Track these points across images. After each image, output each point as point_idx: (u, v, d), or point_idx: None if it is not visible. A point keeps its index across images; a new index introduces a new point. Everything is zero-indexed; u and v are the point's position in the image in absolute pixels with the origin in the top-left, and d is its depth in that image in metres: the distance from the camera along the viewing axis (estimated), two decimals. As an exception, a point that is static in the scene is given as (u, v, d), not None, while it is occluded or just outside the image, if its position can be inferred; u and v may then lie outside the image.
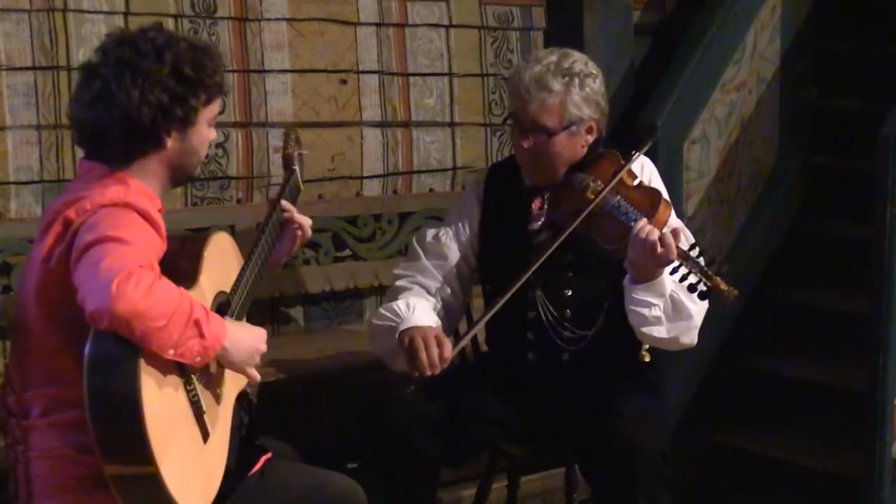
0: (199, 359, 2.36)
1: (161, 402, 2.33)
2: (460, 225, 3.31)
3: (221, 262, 2.63)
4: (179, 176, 2.61)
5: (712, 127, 4.35)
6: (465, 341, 3.15)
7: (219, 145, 3.83)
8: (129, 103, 2.45)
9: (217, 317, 2.41)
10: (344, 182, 4.13)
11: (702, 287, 2.88)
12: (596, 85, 3.16)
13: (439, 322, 3.16)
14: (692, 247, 2.94)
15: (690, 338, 3.11)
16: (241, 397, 2.68)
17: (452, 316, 3.29)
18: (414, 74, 4.24)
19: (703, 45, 4.27)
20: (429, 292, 3.24)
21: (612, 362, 3.20)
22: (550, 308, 3.20)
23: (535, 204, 3.23)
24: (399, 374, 3.07)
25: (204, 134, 2.58)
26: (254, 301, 2.72)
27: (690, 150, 4.29)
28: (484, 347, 3.50)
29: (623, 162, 3.16)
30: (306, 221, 2.90)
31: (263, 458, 2.72)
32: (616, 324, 3.15)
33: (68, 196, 2.48)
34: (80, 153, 3.24)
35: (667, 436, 3.15)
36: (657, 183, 3.28)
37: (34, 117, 3.55)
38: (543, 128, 3.13)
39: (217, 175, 3.86)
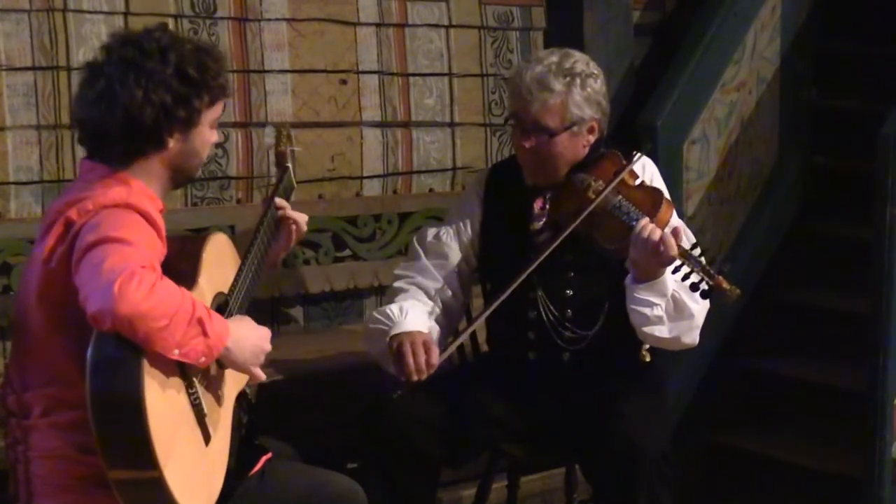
0: (203, 359, 2.35)
1: (164, 405, 2.33)
2: (461, 225, 3.31)
3: (219, 263, 2.63)
4: (180, 177, 2.61)
5: (712, 127, 4.35)
6: (458, 342, 3.15)
7: (219, 145, 3.83)
8: (132, 103, 2.45)
9: (219, 316, 2.41)
10: (344, 182, 4.13)
11: (704, 286, 2.88)
12: (597, 85, 3.16)
13: (433, 326, 3.17)
14: (694, 246, 2.94)
15: (692, 338, 3.11)
16: (240, 397, 2.68)
17: (452, 316, 3.29)
18: (414, 74, 4.24)
19: (703, 45, 4.27)
20: (427, 293, 3.24)
21: (613, 362, 3.20)
22: (551, 308, 3.20)
23: (537, 204, 3.23)
24: (392, 377, 3.07)
25: (206, 136, 2.58)
26: (254, 301, 2.72)
27: (690, 150, 4.29)
28: (484, 347, 3.50)
29: (625, 162, 3.16)
30: (301, 217, 2.90)
31: (264, 459, 2.72)
32: (617, 324, 3.14)
33: (69, 196, 2.48)
34: (80, 153, 3.24)
35: (667, 436, 3.15)
36: (658, 183, 3.28)
37: (34, 117, 3.55)
38: (545, 128, 3.12)
39: (217, 175, 3.86)
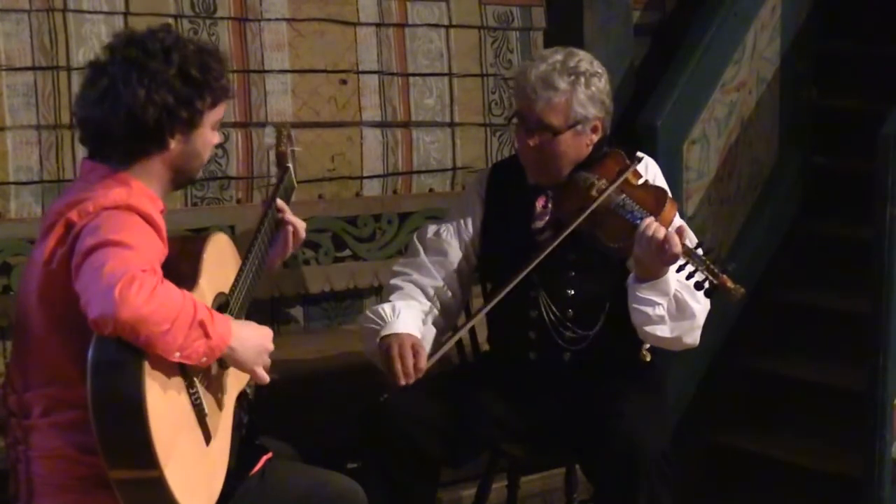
0: (204, 359, 2.36)
1: (165, 405, 2.33)
2: (462, 223, 3.31)
3: (220, 264, 2.63)
4: (181, 178, 2.61)
5: (712, 127, 4.36)
6: (451, 343, 3.15)
7: (219, 145, 3.82)
8: (134, 102, 2.45)
9: (222, 317, 2.41)
10: (344, 182, 4.13)
11: (708, 285, 2.88)
12: (601, 84, 3.16)
13: (428, 326, 3.17)
14: (698, 245, 2.94)
15: (693, 338, 3.11)
16: (241, 397, 2.68)
17: (449, 315, 3.29)
18: (414, 74, 4.23)
19: (703, 45, 4.27)
20: (424, 291, 3.24)
21: (613, 362, 3.20)
22: (552, 307, 3.20)
23: (539, 203, 3.23)
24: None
25: (207, 137, 2.58)
26: (254, 301, 2.72)
27: (690, 150, 4.29)
28: (485, 347, 3.50)
29: (628, 161, 3.16)
30: (300, 224, 2.90)
31: (264, 458, 2.72)
32: (618, 324, 3.15)
33: (70, 197, 2.48)
34: (80, 153, 3.24)
35: (667, 436, 3.15)
36: (661, 182, 3.28)
37: (34, 117, 3.55)
38: (549, 127, 3.13)
39: (217, 175, 3.86)
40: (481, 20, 4.36)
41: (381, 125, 4.18)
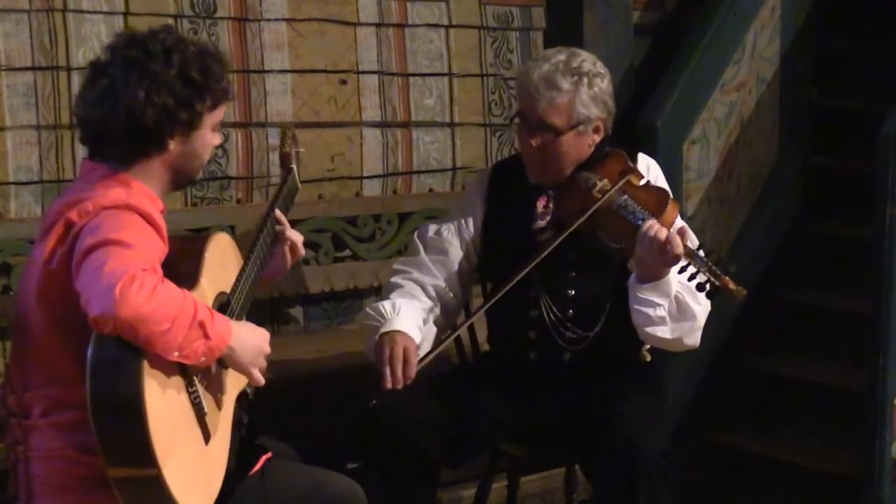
0: (203, 359, 2.36)
1: (164, 404, 2.33)
2: (463, 222, 3.31)
3: (221, 263, 2.63)
4: (181, 179, 2.61)
5: (712, 127, 4.35)
6: (445, 344, 3.15)
7: (218, 145, 3.82)
8: (134, 103, 2.45)
9: (222, 317, 2.41)
10: (344, 182, 4.13)
11: (710, 286, 2.88)
12: (604, 84, 3.16)
13: (428, 324, 3.17)
14: (699, 246, 2.94)
15: (694, 339, 3.11)
16: (241, 397, 2.68)
17: (449, 314, 3.29)
18: (414, 75, 4.24)
19: (703, 45, 4.27)
20: (424, 289, 3.24)
21: (613, 362, 3.20)
22: (553, 308, 3.20)
23: (540, 202, 3.23)
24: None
25: (207, 139, 2.58)
26: (254, 301, 2.72)
27: (690, 151, 4.29)
28: (485, 347, 3.50)
29: (629, 161, 3.16)
30: (298, 239, 2.89)
31: (263, 458, 2.72)
32: (618, 324, 3.14)
33: (70, 197, 2.48)
34: (80, 154, 3.24)
35: (667, 436, 3.15)
36: (662, 183, 3.28)
37: (34, 117, 3.55)
38: (551, 127, 3.12)
39: (217, 175, 3.86)
40: (481, 20, 4.36)
41: (381, 125, 4.18)
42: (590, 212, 3.06)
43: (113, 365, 2.27)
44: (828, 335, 4.38)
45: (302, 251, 2.91)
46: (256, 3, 3.89)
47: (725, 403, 4.52)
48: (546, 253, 3.07)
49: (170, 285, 2.30)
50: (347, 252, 4.12)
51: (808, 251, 4.65)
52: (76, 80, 3.54)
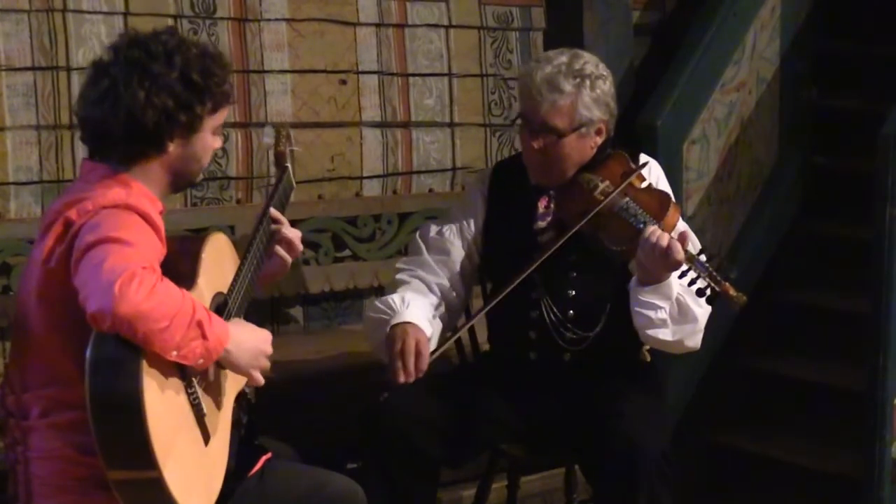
0: (201, 361, 2.35)
1: (163, 405, 2.32)
2: (465, 222, 3.31)
3: (218, 264, 2.63)
4: (181, 181, 2.60)
5: (712, 127, 4.35)
6: (451, 341, 3.15)
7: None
8: (134, 104, 2.45)
9: (219, 319, 2.40)
10: (343, 182, 4.13)
11: (710, 292, 2.87)
12: (606, 86, 3.15)
13: (435, 317, 3.16)
14: (701, 251, 2.94)
15: (695, 341, 3.11)
16: (240, 397, 2.67)
17: (452, 313, 3.28)
18: (413, 75, 4.24)
19: (703, 45, 4.27)
20: (429, 287, 3.23)
21: (613, 363, 3.20)
22: (553, 308, 3.20)
23: (541, 203, 3.23)
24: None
25: (208, 142, 2.58)
26: (253, 301, 2.71)
27: (690, 151, 4.29)
28: (485, 347, 3.50)
29: (631, 163, 3.16)
30: (295, 236, 2.86)
31: (263, 459, 2.72)
32: (618, 325, 3.14)
33: (69, 197, 2.48)
34: (79, 154, 3.24)
35: (667, 436, 3.14)
36: (664, 185, 3.27)
37: (34, 118, 3.55)
38: (553, 129, 3.12)
39: (216, 175, 3.86)
40: (481, 20, 4.37)
41: (381, 125, 4.19)
42: (592, 214, 3.05)
43: (112, 364, 2.27)
44: (828, 335, 4.38)
45: (299, 248, 2.88)
46: (256, 3, 3.90)
47: (725, 403, 4.52)
48: (548, 255, 3.06)
49: (169, 284, 2.29)
50: (347, 252, 4.13)
51: (808, 251, 4.65)
52: (76, 81, 3.54)
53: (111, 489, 2.32)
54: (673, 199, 3.12)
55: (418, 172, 4.27)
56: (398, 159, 4.22)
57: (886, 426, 3.78)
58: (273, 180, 3.00)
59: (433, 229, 3.32)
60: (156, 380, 2.31)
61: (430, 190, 4.31)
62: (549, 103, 3.11)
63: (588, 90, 3.12)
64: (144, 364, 2.28)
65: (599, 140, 3.20)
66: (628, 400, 3.08)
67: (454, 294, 3.27)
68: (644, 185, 3.15)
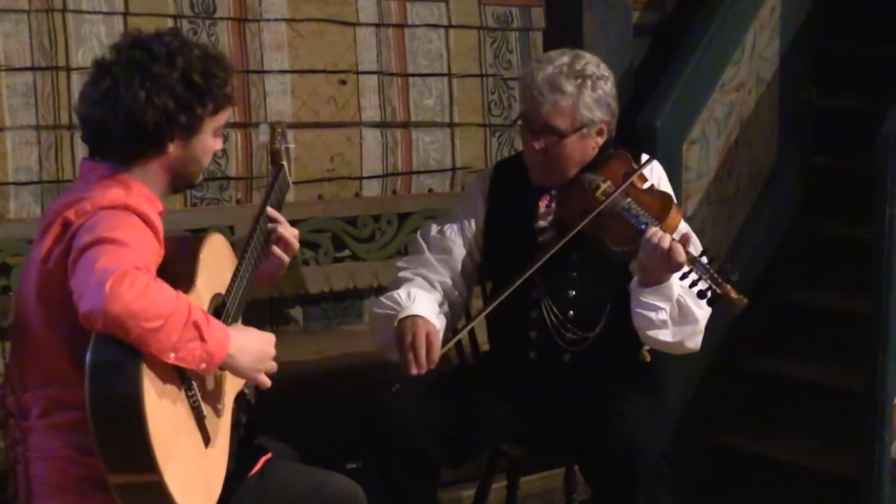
0: (203, 365, 2.34)
1: (163, 408, 2.32)
2: (466, 221, 3.31)
3: (217, 264, 2.62)
4: (180, 182, 2.60)
5: (711, 127, 4.35)
6: (458, 337, 3.15)
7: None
8: (134, 104, 2.45)
9: (219, 322, 2.40)
10: (343, 182, 4.13)
11: (711, 294, 2.87)
12: (608, 87, 3.15)
13: (440, 313, 3.15)
14: (702, 253, 2.94)
15: (695, 342, 3.11)
16: (239, 398, 2.67)
17: (454, 312, 3.28)
18: (413, 75, 4.24)
19: (703, 45, 4.27)
20: (432, 284, 3.23)
21: (613, 363, 3.20)
22: (554, 308, 3.20)
23: (542, 202, 3.23)
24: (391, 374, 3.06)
25: (208, 143, 2.57)
26: (253, 301, 2.71)
27: (690, 151, 4.29)
28: (485, 347, 3.50)
29: (633, 163, 3.16)
30: (292, 234, 2.86)
31: (263, 459, 2.72)
32: (618, 325, 3.14)
33: (68, 197, 2.48)
34: (79, 154, 3.24)
35: (667, 436, 3.15)
36: (665, 186, 3.27)
37: (33, 118, 3.55)
38: (555, 129, 3.12)
39: (216, 175, 3.86)
40: (481, 20, 4.36)
41: (381, 125, 4.18)
42: (593, 214, 3.05)
43: (112, 367, 2.26)
44: (828, 335, 4.38)
45: (296, 247, 2.88)
46: (256, 3, 3.90)
47: (725, 403, 4.52)
48: (549, 255, 3.06)
49: (163, 284, 2.29)
50: (347, 252, 4.12)
51: (808, 251, 4.65)
52: (76, 81, 3.54)
53: (111, 491, 2.31)
54: (675, 200, 3.12)
55: (418, 172, 4.27)
56: (398, 159, 4.22)
57: (886, 426, 3.78)
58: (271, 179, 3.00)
59: (434, 228, 3.32)
60: (155, 383, 2.30)
61: (430, 190, 4.31)
62: (550, 104, 3.11)
63: (589, 91, 3.12)
64: (144, 367, 2.27)
65: (601, 140, 3.20)
66: (628, 400, 3.08)
67: (456, 293, 3.27)
68: (646, 185, 3.15)
